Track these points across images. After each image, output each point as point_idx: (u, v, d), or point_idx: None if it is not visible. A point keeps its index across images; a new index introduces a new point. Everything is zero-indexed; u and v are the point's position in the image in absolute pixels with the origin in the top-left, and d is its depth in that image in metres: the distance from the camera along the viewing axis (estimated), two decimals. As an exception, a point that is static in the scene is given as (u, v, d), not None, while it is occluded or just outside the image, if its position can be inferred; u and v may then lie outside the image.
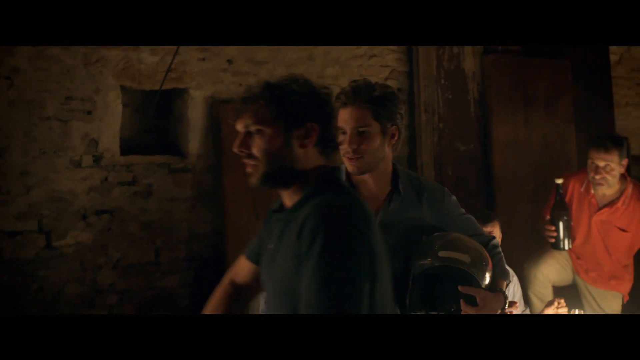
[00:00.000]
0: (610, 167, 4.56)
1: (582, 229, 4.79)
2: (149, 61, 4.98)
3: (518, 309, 4.03)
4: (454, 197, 2.99)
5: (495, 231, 4.23)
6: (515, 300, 4.43)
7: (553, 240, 4.39)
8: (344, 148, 2.74)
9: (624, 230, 4.72)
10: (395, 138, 2.80)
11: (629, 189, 4.74)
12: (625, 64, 7.04)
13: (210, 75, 5.22)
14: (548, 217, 4.50)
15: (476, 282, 2.70)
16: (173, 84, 5.11)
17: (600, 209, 4.76)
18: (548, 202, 4.84)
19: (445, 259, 2.68)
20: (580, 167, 6.38)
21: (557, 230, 4.39)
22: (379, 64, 5.87)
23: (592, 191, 4.76)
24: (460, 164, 5.99)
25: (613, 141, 4.59)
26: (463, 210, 3.01)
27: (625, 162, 4.65)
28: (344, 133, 2.74)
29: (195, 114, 5.20)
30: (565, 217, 4.39)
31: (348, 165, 2.77)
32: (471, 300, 2.69)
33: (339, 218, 2.03)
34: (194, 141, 5.21)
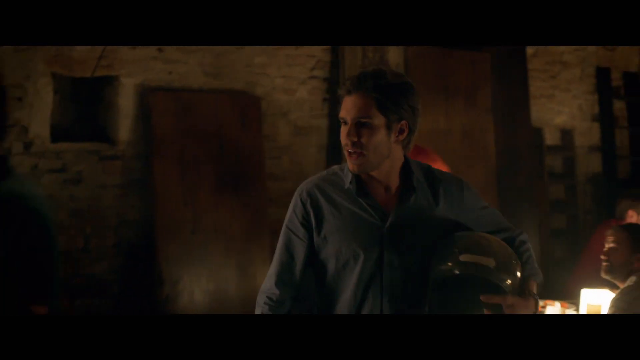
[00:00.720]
0: None
1: None
2: (81, 48, 5.03)
3: None
4: (475, 190, 2.73)
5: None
6: None
7: None
8: (343, 140, 2.53)
9: None
10: (405, 134, 2.53)
11: None
12: (541, 57, 7.40)
13: (141, 63, 5.31)
14: None
15: (502, 289, 2.48)
16: (104, 71, 5.18)
17: None
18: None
19: (467, 264, 2.44)
20: (497, 157, 6.72)
21: None
22: (305, 53, 6.03)
23: None
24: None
25: None
26: (485, 203, 2.75)
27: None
28: (345, 123, 2.53)
29: (126, 101, 5.28)
30: None
31: (348, 162, 2.55)
32: (496, 309, 2.49)
33: None
34: (124, 129, 5.29)
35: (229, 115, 5.60)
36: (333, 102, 6.09)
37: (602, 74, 7.76)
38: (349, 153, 2.52)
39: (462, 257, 2.46)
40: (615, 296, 3.83)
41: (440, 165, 4.00)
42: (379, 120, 2.47)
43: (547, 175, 7.42)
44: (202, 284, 5.38)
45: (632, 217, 5.13)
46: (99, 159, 5.23)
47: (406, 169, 2.60)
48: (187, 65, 5.49)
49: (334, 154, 6.12)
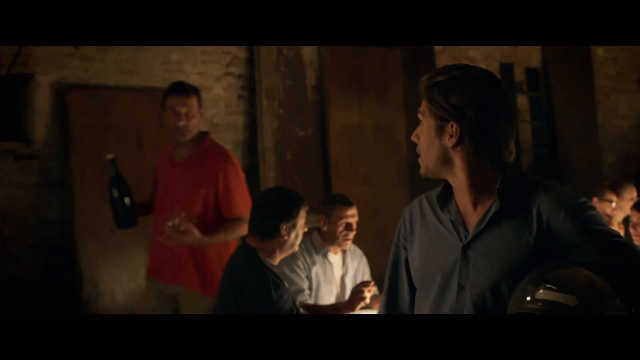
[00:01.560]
0: (191, 113, 4.43)
1: None
2: (-5, 46, 5.00)
3: (374, 288, 4.46)
4: (589, 213, 2.24)
5: (357, 215, 4.63)
6: (367, 279, 4.86)
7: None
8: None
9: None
10: (455, 138, 2.26)
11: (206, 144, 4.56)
12: (448, 53, 7.66)
13: (57, 60, 5.30)
14: None
15: None
16: (19, 69, 5.14)
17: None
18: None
19: (544, 302, 2.07)
20: (409, 151, 6.95)
21: (118, 207, 4.32)
22: (221, 50, 6.11)
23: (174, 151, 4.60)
24: (299, 148, 6.37)
25: (190, 86, 4.51)
26: (607, 228, 2.23)
27: (203, 111, 4.52)
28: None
29: (42, 99, 5.26)
30: (124, 194, 4.30)
31: None
32: None
33: None
34: (40, 127, 5.27)
35: (147, 113, 5.64)
36: (248, 99, 6.20)
37: (506, 70, 8.08)
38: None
39: (540, 294, 2.09)
40: None
41: None
42: (427, 120, 2.32)
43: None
44: (123, 283, 5.41)
45: None
46: (15, 159, 5.19)
47: (500, 183, 2.28)
48: (103, 63, 5.50)
49: (249, 150, 6.23)
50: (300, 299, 4.36)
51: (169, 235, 4.20)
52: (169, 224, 4.18)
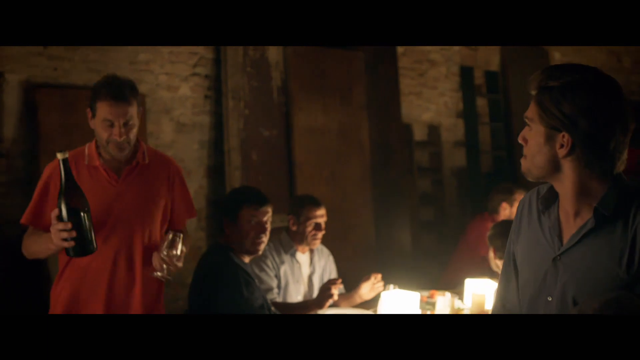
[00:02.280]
0: (132, 123, 3.46)
1: None
2: (-36, 44, 5.04)
3: (341, 286, 4.60)
4: None
5: (325, 215, 4.77)
6: (334, 277, 5.00)
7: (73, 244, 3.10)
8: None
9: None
10: (565, 149, 2.16)
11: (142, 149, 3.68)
12: (410, 55, 7.84)
13: (25, 59, 5.35)
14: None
15: None
16: (-13, 67, 5.20)
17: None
18: None
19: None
20: (372, 152, 7.11)
21: (80, 227, 3.10)
22: (188, 50, 6.21)
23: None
24: (264, 149, 6.49)
25: (129, 87, 3.47)
26: None
27: (141, 110, 3.57)
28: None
29: (10, 98, 5.31)
30: (82, 207, 3.12)
31: None
32: None
33: None
34: (9, 126, 5.32)
35: (115, 113, 5.70)
36: (215, 99, 6.31)
37: (466, 73, 8.29)
38: None
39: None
40: None
41: None
42: (536, 126, 2.21)
43: (416, 170, 7.87)
44: (90, 281, 5.47)
45: (506, 209, 5.61)
46: (-18, 157, 5.24)
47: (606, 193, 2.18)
48: (71, 62, 5.57)
49: (215, 150, 6.33)
50: (269, 297, 4.48)
51: (169, 266, 3.40)
52: (174, 252, 3.37)
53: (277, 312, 4.18)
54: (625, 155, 2.21)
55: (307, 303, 4.46)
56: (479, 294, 4.24)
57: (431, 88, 8.07)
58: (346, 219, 6.75)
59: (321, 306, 4.35)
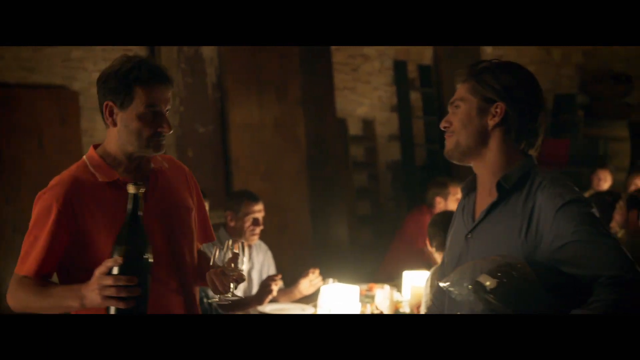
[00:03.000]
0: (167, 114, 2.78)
1: None
2: None
3: (280, 282, 4.66)
4: (584, 210, 2.24)
5: (263, 210, 4.83)
6: (272, 272, 5.06)
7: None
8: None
9: None
10: (498, 117, 2.34)
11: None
12: (344, 50, 7.94)
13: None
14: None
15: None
16: None
17: None
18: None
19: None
20: (308, 147, 7.19)
21: (145, 283, 2.41)
22: (122, 47, 6.17)
23: None
24: (200, 145, 6.53)
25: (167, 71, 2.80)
26: (596, 229, 2.21)
27: None
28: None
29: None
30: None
31: (445, 147, 2.45)
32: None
33: None
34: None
35: (48, 111, 5.70)
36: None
37: (399, 67, 8.43)
38: (445, 138, 2.45)
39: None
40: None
41: None
42: (468, 101, 2.37)
43: (352, 164, 7.98)
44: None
45: (440, 203, 5.74)
46: None
47: (514, 171, 2.37)
48: (3, 60, 5.53)
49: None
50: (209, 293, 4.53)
51: (236, 282, 2.73)
52: (242, 266, 2.73)
53: (219, 310, 4.22)
54: (539, 142, 2.40)
55: (247, 299, 4.49)
56: (418, 286, 4.30)
57: (365, 82, 8.18)
58: (283, 214, 6.83)
59: (261, 302, 4.40)
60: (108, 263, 2.33)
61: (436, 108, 8.64)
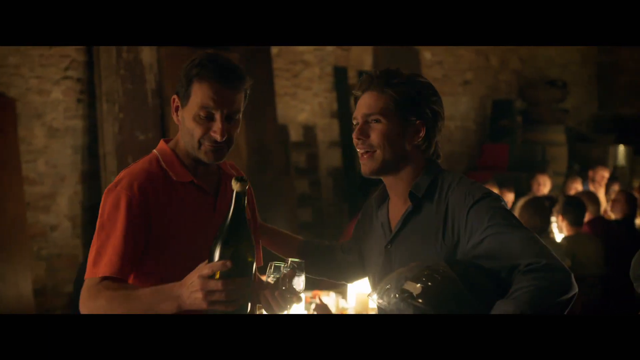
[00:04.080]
0: (238, 119, 2.66)
1: None
2: None
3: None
4: (494, 205, 2.32)
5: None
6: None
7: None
8: (354, 141, 2.43)
9: None
10: (420, 135, 2.41)
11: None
12: (284, 56, 8.01)
13: None
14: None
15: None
16: None
17: None
18: None
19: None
20: (248, 155, 7.23)
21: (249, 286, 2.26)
22: (59, 53, 6.17)
23: None
24: (140, 152, 6.50)
25: (241, 71, 2.63)
26: (507, 221, 2.29)
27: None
28: (357, 124, 2.44)
29: None
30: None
31: (362, 164, 2.44)
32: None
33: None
34: None
35: (-16, 118, 5.65)
36: (88, 103, 6.30)
37: (339, 73, 8.54)
38: (360, 154, 2.43)
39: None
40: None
41: None
42: (391, 117, 2.38)
43: (293, 171, 8.04)
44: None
45: None
46: None
47: (422, 178, 2.44)
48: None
49: (89, 155, 6.32)
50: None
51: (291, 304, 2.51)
52: (300, 286, 2.53)
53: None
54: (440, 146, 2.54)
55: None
56: (363, 293, 4.29)
57: (305, 89, 8.26)
58: (225, 221, 6.83)
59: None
60: (215, 266, 2.14)
61: (377, 114, 8.73)
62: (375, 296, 2.30)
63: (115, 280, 2.34)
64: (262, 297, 2.45)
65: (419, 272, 2.23)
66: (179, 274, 2.24)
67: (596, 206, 6.62)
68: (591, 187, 8.49)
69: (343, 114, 8.50)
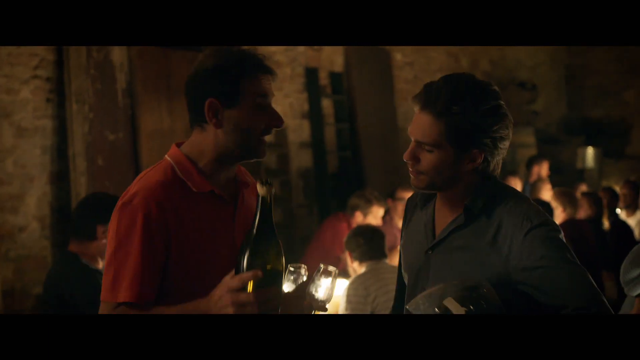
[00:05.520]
0: None
1: None
2: None
3: None
4: (553, 235, 2.28)
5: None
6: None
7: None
8: (405, 156, 2.36)
9: None
10: (478, 162, 2.33)
11: None
12: (255, 57, 8.02)
13: None
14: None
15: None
16: None
17: None
18: None
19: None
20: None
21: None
22: (28, 52, 6.14)
23: None
24: (110, 153, 6.52)
25: None
26: (565, 255, 2.25)
27: None
28: (407, 139, 2.39)
29: None
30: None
31: (411, 178, 2.40)
32: None
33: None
34: None
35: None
36: (57, 102, 6.28)
37: (311, 74, 8.55)
38: (410, 170, 2.38)
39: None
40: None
41: None
42: (445, 147, 2.30)
43: (264, 171, 8.03)
44: None
45: (358, 217, 5.89)
46: None
47: (476, 193, 2.38)
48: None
49: (59, 156, 6.30)
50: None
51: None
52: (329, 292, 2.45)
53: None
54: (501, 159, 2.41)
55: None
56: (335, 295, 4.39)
57: (276, 89, 7.99)
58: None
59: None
60: (245, 277, 2.10)
61: (347, 115, 8.80)
62: (413, 307, 2.24)
63: (133, 307, 2.25)
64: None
65: (465, 292, 2.18)
66: (200, 289, 2.20)
67: (573, 207, 6.64)
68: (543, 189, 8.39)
69: (314, 114, 8.53)
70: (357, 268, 4.66)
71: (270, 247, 2.15)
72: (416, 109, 2.34)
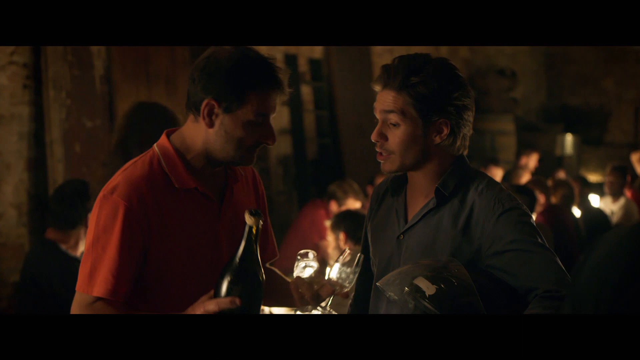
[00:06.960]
0: None
1: None
2: None
3: None
4: (524, 219, 2.30)
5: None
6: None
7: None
8: (372, 139, 2.37)
9: None
10: (445, 133, 2.32)
11: None
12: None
13: None
14: None
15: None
16: None
17: None
18: None
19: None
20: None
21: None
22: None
23: None
24: (88, 140, 6.50)
25: None
26: (525, 241, 2.27)
27: None
28: (377, 121, 2.38)
29: None
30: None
31: (380, 162, 2.41)
32: None
33: None
34: None
35: None
36: (34, 89, 6.25)
37: (290, 61, 8.54)
38: (378, 153, 2.39)
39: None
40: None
41: None
42: (410, 119, 2.31)
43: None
44: None
45: (332, 206, 5.92)
46: None
47: (449, 175, 2.38)
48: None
49: (36, 142, 6.28)
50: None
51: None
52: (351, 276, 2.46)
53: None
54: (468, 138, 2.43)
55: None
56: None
57: None
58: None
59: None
60: (222, 303, 2.08)
61: (327, 102, 8.82)
62: (384, 284, 2.25)
63: (110, 303, 2.24)
64: (292, 287, 2.38)
65: (436, 271, 2.19)
66: (180, 291, 2.23)
67: (546, 195, 6.75)
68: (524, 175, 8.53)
69: (293, 101, 8.53)
70: (352, 249, 4.67)
71: (251, 277, 2.13)
72: (378, 89, 2.36)
